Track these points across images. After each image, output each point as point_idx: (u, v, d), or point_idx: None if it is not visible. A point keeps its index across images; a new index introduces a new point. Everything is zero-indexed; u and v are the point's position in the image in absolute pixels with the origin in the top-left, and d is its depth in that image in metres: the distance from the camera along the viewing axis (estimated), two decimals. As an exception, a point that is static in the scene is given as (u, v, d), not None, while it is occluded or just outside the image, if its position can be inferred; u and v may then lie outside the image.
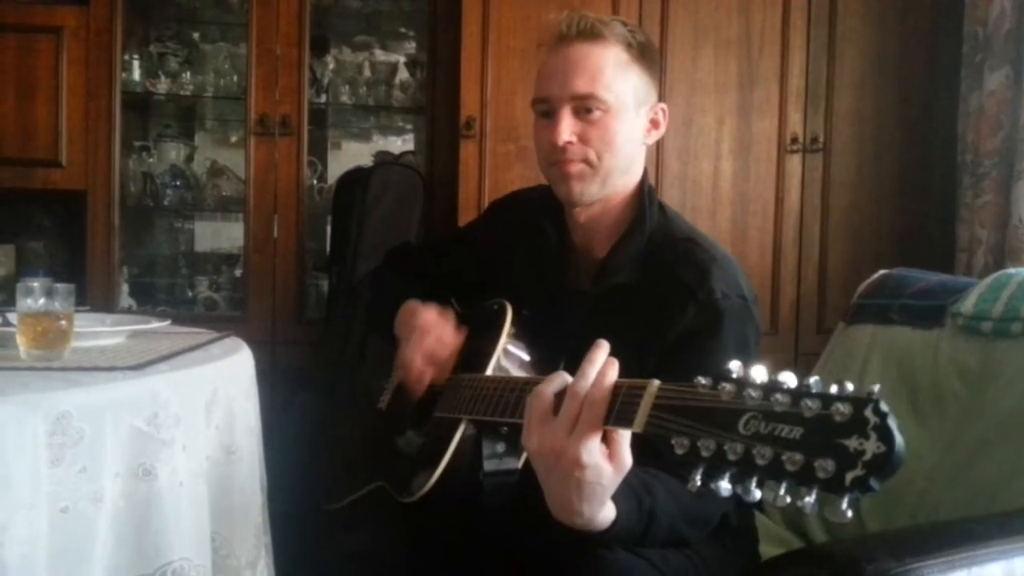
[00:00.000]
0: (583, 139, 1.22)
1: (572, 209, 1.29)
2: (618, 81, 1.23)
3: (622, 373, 0.90)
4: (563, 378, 0.92)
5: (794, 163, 2.53)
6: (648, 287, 1.22)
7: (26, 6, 2.47)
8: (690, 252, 1.22)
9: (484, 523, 1.19)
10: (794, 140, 2.52)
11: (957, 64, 2.50)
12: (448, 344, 1.27)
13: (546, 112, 1.25)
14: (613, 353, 0.92)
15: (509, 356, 1.21)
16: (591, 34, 1.23)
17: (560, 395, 0.91)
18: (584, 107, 1.22)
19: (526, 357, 1.22)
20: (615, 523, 0.94)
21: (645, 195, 1.29)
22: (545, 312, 1.26)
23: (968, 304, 1.52)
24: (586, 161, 1.23)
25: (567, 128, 1.22)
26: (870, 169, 2.57)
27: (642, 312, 1.18)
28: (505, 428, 1.11)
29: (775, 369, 0.74)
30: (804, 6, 2.50)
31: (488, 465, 1.12)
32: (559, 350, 1.20)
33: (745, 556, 1.30)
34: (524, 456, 1.13)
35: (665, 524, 1.02)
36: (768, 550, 1.40)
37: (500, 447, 1.12)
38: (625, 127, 1.25)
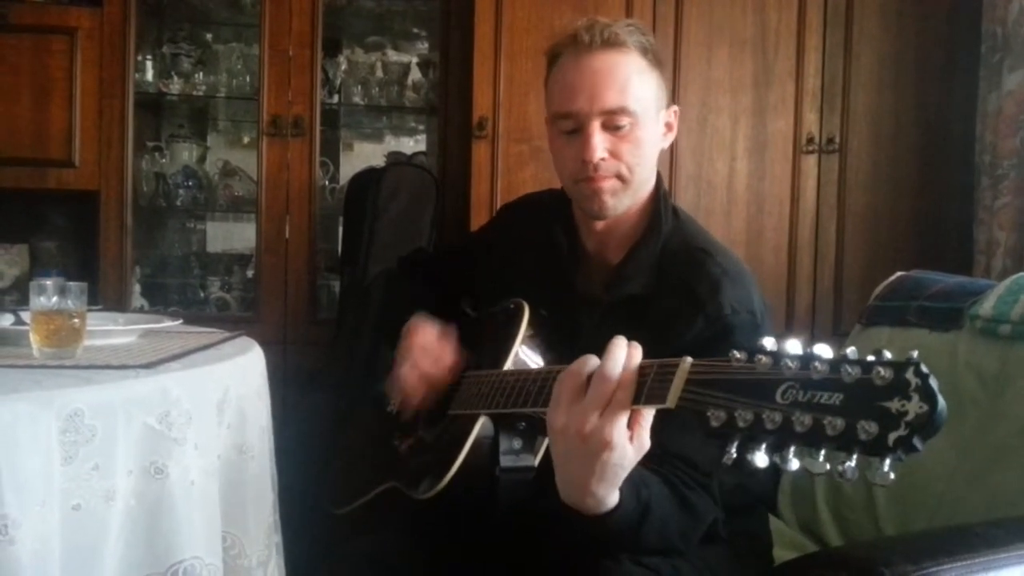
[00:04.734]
0: (614, 154, 1.19)
1: (592, 219, 1.27)
2: (642, 89, 1.20)
3: None
4: (593, 360, 0.92)
5: (810, 163, 2.51)
6: (660, 297, 1.20)
7: (40, 7, 2.48)
8: (704, 264, 1.20)
9: (497, 523, 1.18)
10: (810, 140, 2.50)
11: (975, 64, 2.47)
12: (444, 366, 1.26)
13: (571, 129, 1.21)
14: None
15: (525, 355, 1.20)
16: (612, 42, 1.19)
17: (590, 377, 0.90)
18: (613, 120, 1.18)
19: (541, 356, 1.21)
20: (617, 507, 0.95)
21: (660, 200, 1.28)
22: (557, 316, 1.25)
23: (986, 306, 1.50)
24: (618, 176, 1.21)
25: (600, 145, 1.18)
26: (887, 170, 2.55)
27: (653, 322, 1.17)
28: (523, 424, 1.11)
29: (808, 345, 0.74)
30: (820, 5, 2.48)
31: (505, 461, 1.11)
32: (573, 353, 1.19)
33: (758, 561, 1.28)
34: (540, 454, 1.12)
35: (658, 518, 1.02)
36: (782, 554, 1.39)
37: (517, 443, 1.12)
38: (650, 135, 1.23)
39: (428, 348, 1.27)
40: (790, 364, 0.73)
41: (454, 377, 1.26)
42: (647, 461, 0.98)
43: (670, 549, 1.09)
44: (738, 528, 1.22)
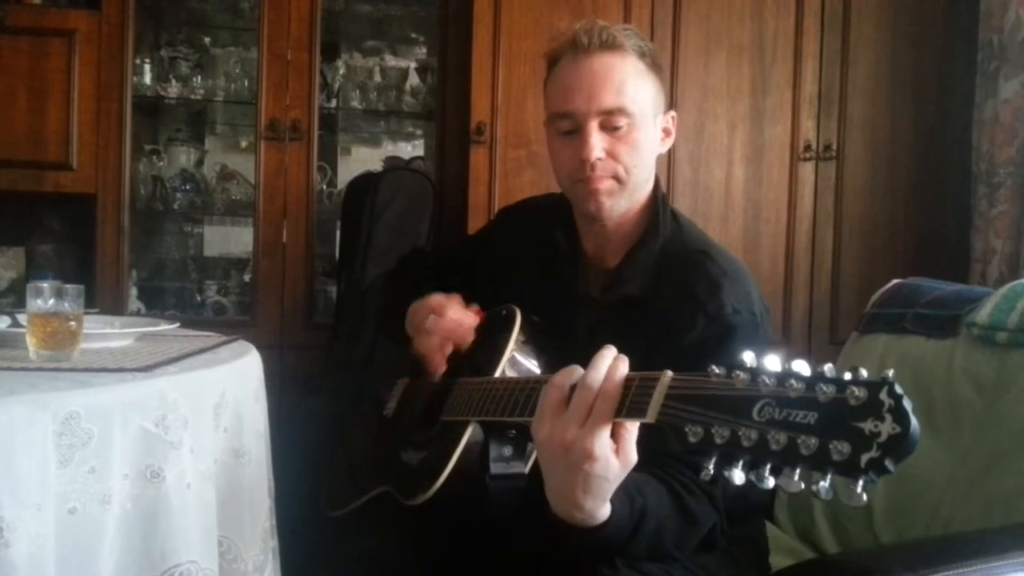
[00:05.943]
0: (611, 154, 1.20)
1: (591, 222, 1.28)
2: (640, 92, 1.21)
3: None
4: (578, 371, 0.92)
5: (807, 170, 2.52)
6: (659, 298, 1.20)
7: (38, 9, 2.48)
8: (702, 265, 1.20)
9: (489, 529, 1.18)
10: (807, 147, 2.51)
11: (972, 72, 2.48)
12: (463, 322, 1.25)
13: (569, 129, 1.22)
14: None
15: (517, 361, 1.20)
16: (611, 45, 1.20)
17: (574, 388, 0.91)
18: (611, 121, 1.20)
19: (534, 362, 1.21)
20: (609, 520, 0.95)
21: (659, 204, 1.28)
22: (554, 319, 1.25)
23: (983, 314, 1.50)
24: (615, 177, 1.21)
25: (597, 144, 1.19)
26: (884, 177, 2.55)
27: (651, 323, 1.17)
28: (513, 431, 1.10)
29: (788, 360, 0.74)
30: (817, 12, 2.49)
31: (495, 468, 1.11)
32: (567, 357, 1.19)
33: (755, 568, 1.28)
34: (531, 461, 1.12)
35: (652, 527, 1.02)
36: (779, 561, 1.39)
37: (507, 450, 1.11)
38: (648, 138, 1.24)
39: (440, 308, 1.26)
40: (767, 381, 0.72)
41: (473, 332, 1.25)
42: (650, 465, 0.97)
43: (663, 555, 1.09)
44: (736, 535, 1.22)
